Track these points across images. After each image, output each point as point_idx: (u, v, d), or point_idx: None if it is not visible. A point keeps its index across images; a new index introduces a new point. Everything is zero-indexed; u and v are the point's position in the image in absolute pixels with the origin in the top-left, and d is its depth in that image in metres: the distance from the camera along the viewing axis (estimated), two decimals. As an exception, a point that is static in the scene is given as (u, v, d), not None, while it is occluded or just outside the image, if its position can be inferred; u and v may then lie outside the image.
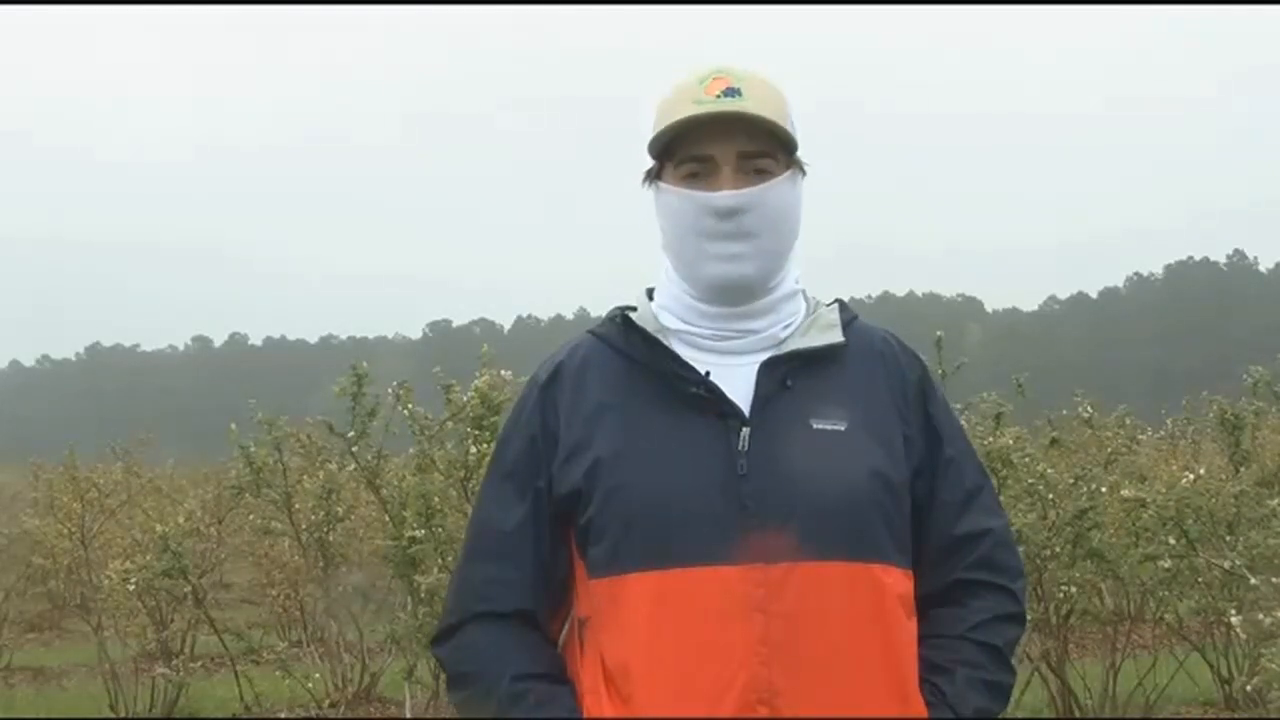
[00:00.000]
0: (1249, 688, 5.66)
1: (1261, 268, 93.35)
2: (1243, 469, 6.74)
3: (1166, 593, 6.06)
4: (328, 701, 7.35)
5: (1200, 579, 5.84)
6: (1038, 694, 6.45)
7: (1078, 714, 6.29)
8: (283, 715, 7.52)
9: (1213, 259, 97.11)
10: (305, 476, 7.48)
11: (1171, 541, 5.59)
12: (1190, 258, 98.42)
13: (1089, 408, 7.40)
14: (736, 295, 1.83)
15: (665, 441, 1.77)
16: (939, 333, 6.31)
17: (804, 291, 1.91)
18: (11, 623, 10.41)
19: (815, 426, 1.78)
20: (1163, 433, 10.24)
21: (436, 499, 5.41)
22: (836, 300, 1.93)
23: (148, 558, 6.89)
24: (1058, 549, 5.70)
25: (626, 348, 1.85)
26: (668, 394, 1.80)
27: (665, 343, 1.83)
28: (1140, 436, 8.10)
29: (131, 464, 10.91)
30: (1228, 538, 5.61)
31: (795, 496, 1.72)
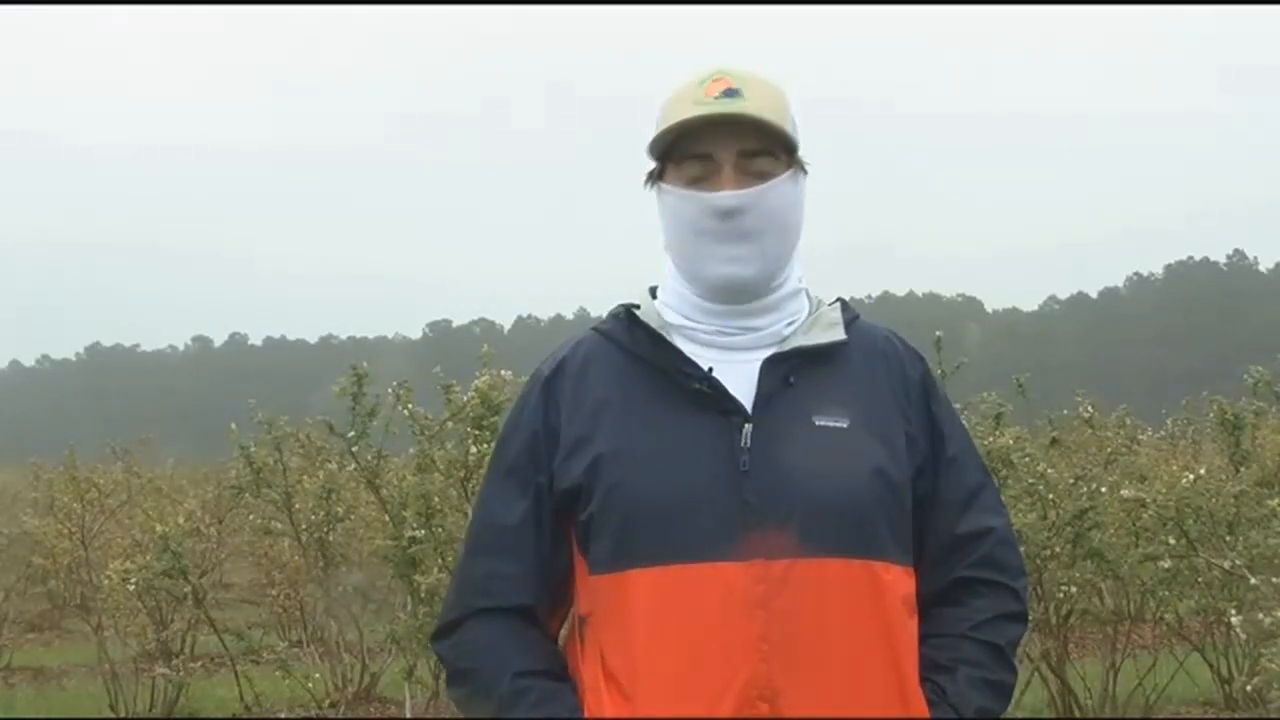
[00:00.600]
0: (1249, 688, 5.66)
1: (1262, 268, 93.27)
2: (1243, 469, 6.73)
3: (1166, 593, 6.07)
4: (328, 701, 7.36)
5: (1200, 579, 5.85)
6: (1038, 694, 6.45)
7: (1078, 714, 6.29)
8: (283, 715, 7.52)
9: (1213, 259, 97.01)
10: (305, 476, 7.50)
11: (1171, 541, 5.60)
12: (1190, 258, 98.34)
13: (1089, 408, 7.40)
14: (739, 295, 1.83)
15: (667, 437, 1.76)
16: (939, 333, 6.30)
17: (807, 290, 1.90)
18: (11, 623, 10.38)
19: (818, 424, 1.78)
20: (1163, 433, 10.23)
21: (436, 499, 5.41)
22: (838, 299, 1.93)
23: (148, 558, 6.90)
24: (1058, 549, 5.71)
25: (630, 344, 1.85)
26: (670, 390, 1.79)
27: (669, 338, 1.82)
28: (1140, 436, 8.10)
29: (131, 464, 10.94)
30: (1228, 538, 5.62)
31: (797, 493, 1.72)
